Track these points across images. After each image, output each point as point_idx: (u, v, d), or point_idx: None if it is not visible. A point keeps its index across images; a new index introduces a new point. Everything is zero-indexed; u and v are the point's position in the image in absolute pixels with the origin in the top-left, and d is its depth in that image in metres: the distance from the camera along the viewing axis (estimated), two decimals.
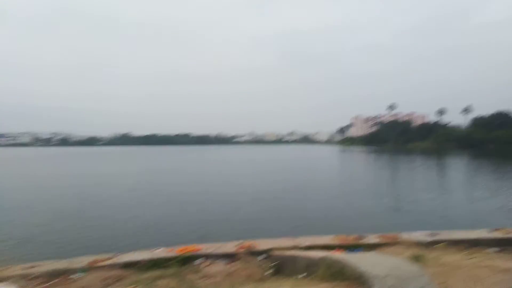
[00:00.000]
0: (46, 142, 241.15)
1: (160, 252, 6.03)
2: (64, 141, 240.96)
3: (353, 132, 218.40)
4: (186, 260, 5.85)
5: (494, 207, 16.46)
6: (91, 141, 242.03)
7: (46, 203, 18.51)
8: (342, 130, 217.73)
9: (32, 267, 5.37)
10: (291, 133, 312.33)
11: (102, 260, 5.69)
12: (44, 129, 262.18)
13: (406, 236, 6.62)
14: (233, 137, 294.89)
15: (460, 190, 22.61)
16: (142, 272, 5.30)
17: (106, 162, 60.48)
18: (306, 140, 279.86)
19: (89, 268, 5.41)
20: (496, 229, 6.97)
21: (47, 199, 19.87)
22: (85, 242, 11.03)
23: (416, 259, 4.88)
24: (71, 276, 5.19)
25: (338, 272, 3.90)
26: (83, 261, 5.69)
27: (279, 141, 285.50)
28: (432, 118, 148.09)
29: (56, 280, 4.96)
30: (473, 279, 3.96)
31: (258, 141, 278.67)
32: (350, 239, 6.40)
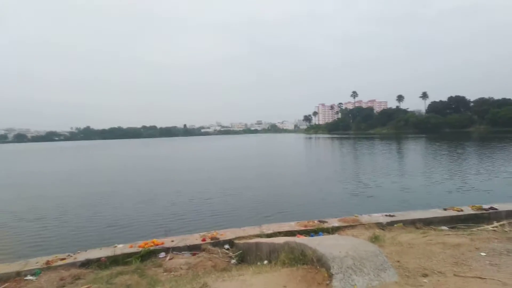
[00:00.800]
0: (0, 138, 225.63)
1: (121, 248, 5.85)
2: (21, 137, 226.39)
3: (318, 119, 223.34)
4: (148, 255, 5.72)
5: (446, 187, 17.49)
6: (49, 136, 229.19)
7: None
8: (307, 118, 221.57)
9: None
10: (259, 123, 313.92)
11: (58, 260, 5.44)
12: None
13: (365, 218, 6.85)
14: (200, 128, 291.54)
15: (414, 172, 23.71)
16: (102, 270, 5.12)
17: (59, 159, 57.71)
18: (273, 129, 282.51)
19: (44, 269, 5.15)
20: (448, 208, 7.38)
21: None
22: (39, 243, 10.49)
23: (375, 239, 5.04)
24: (25, 278, 4.92)
25: (299, 256, 3.94)
26: (37, 262, 5.41)
27: (247, 130, 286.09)
28: (392, 104, 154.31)
29: (7, 284, 4.67)
30: (426, 256, 4.14)
31: (226, 131, 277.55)
32: (312, 224, 6.53)
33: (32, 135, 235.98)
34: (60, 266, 5.27)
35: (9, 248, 9.92)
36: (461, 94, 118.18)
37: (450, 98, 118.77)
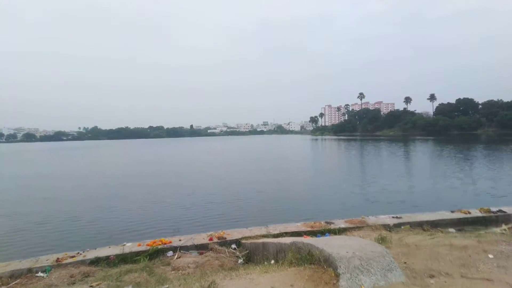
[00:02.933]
0: (10, 138, 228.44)
1: (130, 247, 5.93)
2: (30, 137, 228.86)
3: (325, 121, 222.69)
4: (156, 254, 5.79)
5: (455, 190, 17.36)
6: (58, 136, 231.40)
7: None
8: (314, 120, 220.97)
9: None
10: (265, 124, 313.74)
11: (68, 258, 5.53)
12: (7, 124, 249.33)
13: (372, 219, 6.86)
14: (207, 129, 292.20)
15: (422, 175, 23.57)
16: (111, 268, 5.20)
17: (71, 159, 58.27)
18: (279, 130, 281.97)
19: (55, 266, 5.25)
20: (455, 211, 7.36)
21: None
22: (49, 242, 10.64)
23: (381, 240, 5.05)
24: (36, 275, 5.02)
25: (306, 256, 3.97)
26: (48, 259, 5.51)
27: (253, 131, 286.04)
28: (400, 106, 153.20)
29: (19, 280, 4.77)
30: (433, 257, 4.14)
31: (232, 132, 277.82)
32: (319, 225, 6.56)
33: (41, 135, 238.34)
34: (70, 263, 5.37)
35: (21, 246, 10.09)
36: (469, 96, 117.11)
37: (458, 101, 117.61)
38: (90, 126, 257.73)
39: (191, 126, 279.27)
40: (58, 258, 5.49)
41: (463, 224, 6.71)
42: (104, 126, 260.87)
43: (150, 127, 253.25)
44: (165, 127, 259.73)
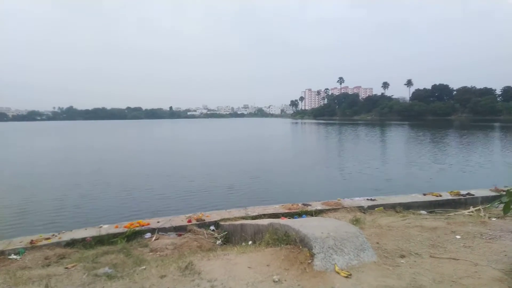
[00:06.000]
0: None
1: (107, 229, 5.87)
2: (1, 116, 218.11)
3: (305, 105, 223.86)
4: (134, 235, 5.76)
5: (427, 173, 18.01)
6: (31, 116, 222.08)
7: None
8: (294, 103, 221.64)
9: None
10: (245, 107, 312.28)
11: (43, 239, 5.43)
12: None
13: (347, 201, 7.04)
14: (186, 111, 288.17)
15: (396, 159, 24.24)
16: (87, 249, 5.14)
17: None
18: (260, 113, 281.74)
19: (28, 248, 5.14)
20: (427, 194, 7.65)
21: None
22: (22, 223, 10.37)
23: (356, 222, 5.20)
24: (9, 257, 4.91)
25: (282, 236, 4.06)
26: (21, 241, 5.39)
27: (233, 114, 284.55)
28: (378, 91, 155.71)
29: None
30: (404, 238, 4.32)
31: (212, 115, 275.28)
32: (296, 207, 6.68)
33: (13, 114, 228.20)
34: (44, 245, 5.27)
35: None
36: (447, 82, 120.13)
37: (434, 86, 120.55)
38: (65, 105, 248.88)
39: (170, 107, 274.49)
40: (32, 240, 5.37)
41: (434, 207, 6.99)
42: (80, 105, 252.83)
43: (128, 108, 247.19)
44: (144, 108, 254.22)
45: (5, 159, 27.59)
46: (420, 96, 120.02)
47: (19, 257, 4.92)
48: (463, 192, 7.60)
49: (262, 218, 6.14)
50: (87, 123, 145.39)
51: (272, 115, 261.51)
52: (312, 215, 6.32)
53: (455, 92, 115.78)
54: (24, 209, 12.15)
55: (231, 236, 5.87)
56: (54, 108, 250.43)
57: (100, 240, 5.47)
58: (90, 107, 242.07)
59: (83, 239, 5.46)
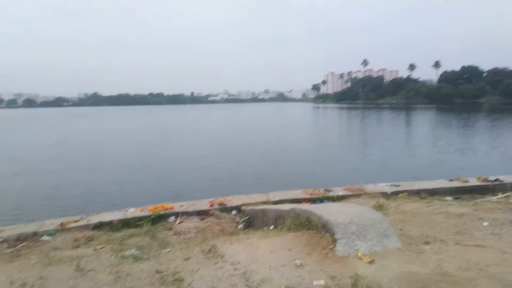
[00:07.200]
0: (10, 103, 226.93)
1: (132, 212, 6.05)
2: (30, 103, 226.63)
3: (327, 88, 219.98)
4: (159, 219, 5.91)
5: (454, 158, 17.48)
6: (58, 102, 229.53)
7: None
8: (316, 87, 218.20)
9: None
10: (266, 91, 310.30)
11: (72, 222, 5.66)
12: (6, 89, 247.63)
13: (370, 187, 6.94)
14: (207, 96, 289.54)
15: (423, 143, 23.61)
16: (114, 232, 5.33)
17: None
18: (281, 97, 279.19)
19: (59, 230, 5.39)
20: (454, 179, 7.42)
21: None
22: (54, 206, 10.88)
23: (379, 207, 5.14)
24: (41, 239, 5.16)
25: (304, 222, 4.07)
26: (52, 223, 5.64)
27: (254, 99, 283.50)
28: (404, 73, 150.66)
29: (25, 243, 4.91)
30: (429, 224, 4.24)
31: (233, 100, 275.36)
32: (318, 192, 6.65)
33: (41, 100, 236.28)
34: (74, 228, 5.49)
35: (26, 210, 10.33)
36: (477, 63, 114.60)
37: (463, 68, 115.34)
38: (89, 91, 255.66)
39: (192, 93, 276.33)
40: (62, 223, 5.62)
41: (461, 193, 6.78)
42: (104, 91, 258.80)
43: (150, 94, 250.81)
44: (165, 93, 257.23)
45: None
46: (448, 78, 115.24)
47: (50, 238, 5.15)
48: (491, 178, 7.32)
49: (284, 203, 6.16)
50: (115, 109, 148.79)
51: (293, 100, 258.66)
52: (334, 201, 6.29)
53: (485, 74, 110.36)
54: (53, 192, 12.74)
55: (252, 221, 5.94)
56: (79, 94, 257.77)
57: (127, 223, 5.66)
58: (113, 92, 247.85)
59: (110, 222, 5.66)
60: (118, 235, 5.06)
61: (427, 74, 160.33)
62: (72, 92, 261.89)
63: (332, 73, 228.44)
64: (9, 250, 4.68)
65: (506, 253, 3.20)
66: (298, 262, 3.16)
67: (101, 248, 4.20)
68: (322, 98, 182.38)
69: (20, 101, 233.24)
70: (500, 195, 6.05)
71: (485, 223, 4.14)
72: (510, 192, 6.30)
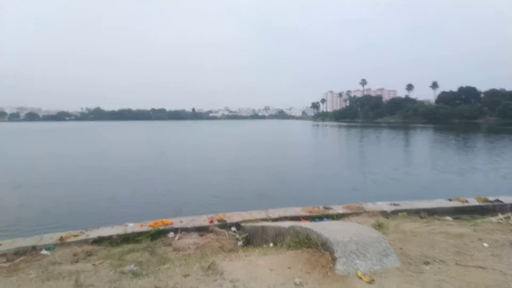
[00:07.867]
0: (13, 117, 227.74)
1: (132, 227, 6.03)
2: (32, 116, 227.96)
3: (326, 107, 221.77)
4: (158, 234, 5.89)
5: (453, 178, 17.48)
6: (61, 116, 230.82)
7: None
8: (315, 105, 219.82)
9: None
10: (266, 108, 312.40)
11: (71, 236, 5.64)
12: (8, 103, 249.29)
13: (370, 206, 6.94)
14: (208, 112, 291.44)
15: (421, 163, 23.66)
16: (113, 247, 5.30)
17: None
18: (281, 115, 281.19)
19: (58, 245, 5.36)
20: (453, 199, 7.43)
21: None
22: (52, 220, 10.81)
23: (378, 226, 5.13)
24: (40, 253, 5.13)
25: (303, 239, 4.06)
26: (52, 237, 5.62)
27: (254, 116, 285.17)
28: (402, 93, 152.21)
29: (23, 257, 4.88)
30: (428, 244, 4.22)
31: (233, 116, 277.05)
32: (317, 210, 6.65)
33: (44, 114, 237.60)
34: (73, 242, 5.47)
35: (25, 224, 10.27)
36: (474, 84, 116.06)
37: (460, 89, 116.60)
38: (92, 106, 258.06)
39: (193, 109, 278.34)
40: (61, 237, 5.60)
41: (460, 213, 6.78)
42: (106, 106, 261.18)
43: (153, 110, 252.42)
44: (167, 109, 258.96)
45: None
46: (446, 98, 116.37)
47: (49, 252, 5.13)
48: (491, 198, 7.33)
49: (283, 220, 6.15)
50: (117, 124, 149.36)
51: (293, 117, 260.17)
52: (333, 219, 6.28)
53: (482, 95, 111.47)
54: (53, 206, 12.68)
55: (252, 238, 5.91)
56: (82, 108, 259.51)
57: (126, 238, 5.63)
58: (116, 107, 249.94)
59: (110, 237, 5.64)
60: (117, 250, 5.04)
61: (425, 94, 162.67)
62: (74, 106, 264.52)
63: (331, 92, 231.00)
64: (7, 264, 4.65)
65: (507, 274, 3.19)
66: (297, 280, 3.14)
67: (100, 263, 4.19)
68: (321, 116, 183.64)
69: (22, 114, 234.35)
70: (500, 216, 6.04)
71: (486, 244, 4.13)
72: (510, 213, 6.29)
